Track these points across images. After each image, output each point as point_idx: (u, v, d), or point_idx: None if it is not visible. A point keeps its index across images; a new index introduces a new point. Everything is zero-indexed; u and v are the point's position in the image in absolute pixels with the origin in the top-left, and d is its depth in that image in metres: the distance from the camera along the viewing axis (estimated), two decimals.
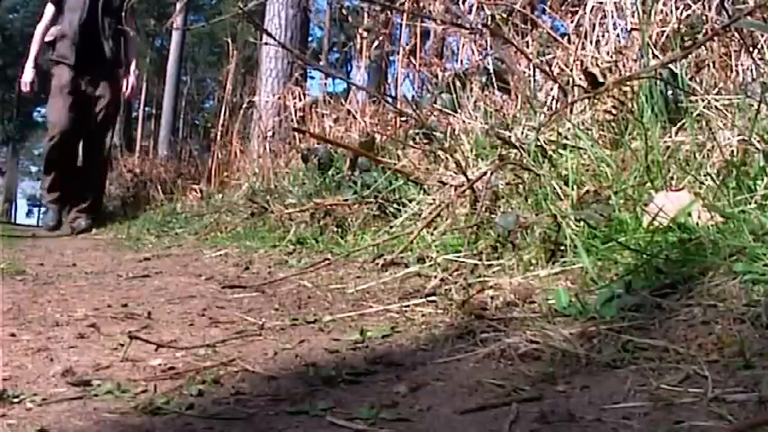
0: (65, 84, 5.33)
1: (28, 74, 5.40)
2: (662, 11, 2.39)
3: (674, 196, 1.52)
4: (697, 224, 1.42)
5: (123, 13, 4.52)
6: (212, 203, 4.86)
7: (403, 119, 3.34)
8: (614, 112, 2.09)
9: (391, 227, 2.20)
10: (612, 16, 2.52)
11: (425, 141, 2.69)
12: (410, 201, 2.26)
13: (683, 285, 1.22)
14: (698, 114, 1.88)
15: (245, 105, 5.96)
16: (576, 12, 2.77)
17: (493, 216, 1.82)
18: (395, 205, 2.33)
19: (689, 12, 2.38)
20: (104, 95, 5.50)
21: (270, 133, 5.32)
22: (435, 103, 2.98)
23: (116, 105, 5.72)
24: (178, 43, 15.46)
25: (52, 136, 5.36)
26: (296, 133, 4.52)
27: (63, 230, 5.53)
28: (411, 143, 2.74)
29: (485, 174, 1.90)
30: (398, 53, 4.07)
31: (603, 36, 2.53)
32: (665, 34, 2.30)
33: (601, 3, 2.56)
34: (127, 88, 5.62)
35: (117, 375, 1.12)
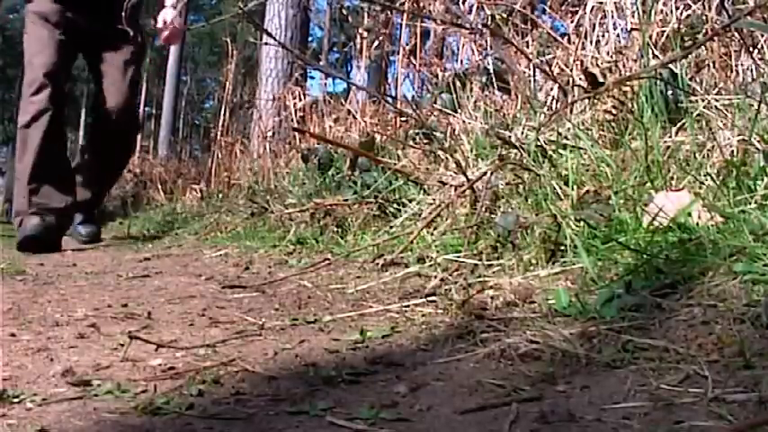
0: (48, 12, 3.68)
1: None
2: (662, 11, 2.39)
3: (674, 196, 1.52)
4: (697, 224, 1.42)
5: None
6: (212, 203, 4.86)
7: (403, 119, 3.34)
8: (614, 112, 2.09)
9: (391, 227, 2.20)
10: (612, 16, 2.52)
11: (425, 141, 2.69)
12: (410, 201, 2.26)
13: (683, 285, 1.22)
14: (698, 114, 1.88)
15: (245, 105, 5.97)
16: (576, 12, 2.77)
17: (493, 216, 1.82)
18: (395, 205, 2.33)
19: (689, 12, 2.38)
20: (121, 37, 3.64)
21: (270, 133, 5.32)
22: (435, 103, 2.98)
23: (138, 59, 3.92)
24: (178, 43, 15.46)
25: (34, 81, 3.54)
26: (296, 133, 4.52)
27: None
28: (411, 143, 2.74)
29: (485, 174, 1.90)
30: (398, 53, 4.08)
31: (603, 36, 2.53)
32: (665, 34, 2.30)
33: (601, 3, 2.56)
34: (162, 27, 3.75)
35: (117, 375, 1.12)
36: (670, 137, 1.86)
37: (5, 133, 27.40)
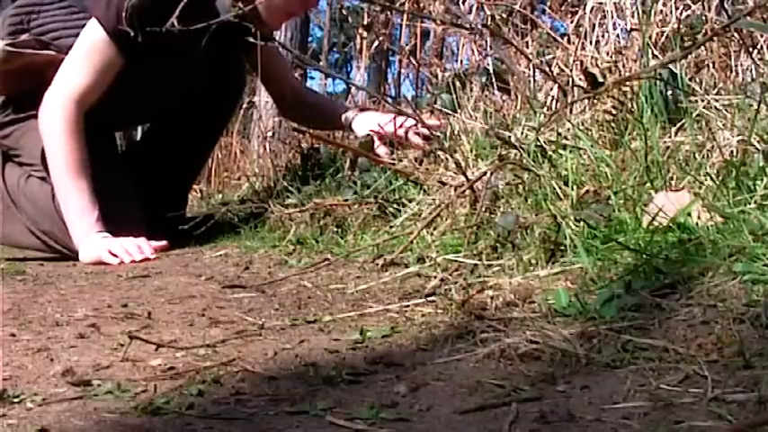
0: None
1: None
2: (662, 11, 2.39)
3: (673, 196, 1.52)
4: (697, 224, 1.42)
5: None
6: (212, 203, 4.85)
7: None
8: (614, 112, 2.09)
9: (391, 227, 2.20)
10: (612, 16, 2.52)
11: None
12: (410, 201, 2.26)
13: (683, 285, 1.22)
14: (698, 114, 1.88)
15: (245, 105, 5.96)
16: (576, 12, 2.77)
17: (493, 216, 1.82)
18: (395, 205, 2.33)
19: (689, 12, 2.38)
20: None
21: (270, 133, 5.31)
22: (435, 103, 2.97)
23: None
24: None
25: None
26: (296, 133, 4.51)
27: None
28: None
29: (485, 174, 1.90)
30: (398, 53, 4.07)
31: (603, 36, 2.53)
32: (665, 34, 2.30)
33: (601, 3, 2.56)
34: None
35: (117, 375, 1.12)
36: (670, 137, 1.86)
37: None
